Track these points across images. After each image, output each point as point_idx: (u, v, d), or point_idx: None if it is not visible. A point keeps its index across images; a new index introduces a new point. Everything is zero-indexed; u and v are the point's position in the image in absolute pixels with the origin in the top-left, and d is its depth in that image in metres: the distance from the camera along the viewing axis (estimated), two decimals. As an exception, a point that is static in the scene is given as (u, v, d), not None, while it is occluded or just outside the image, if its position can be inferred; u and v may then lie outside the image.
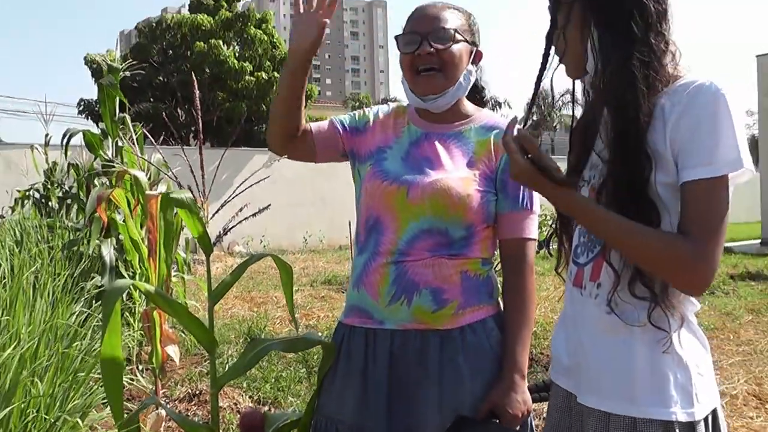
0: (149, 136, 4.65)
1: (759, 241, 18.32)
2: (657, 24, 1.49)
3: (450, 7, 2.08)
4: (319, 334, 6.80)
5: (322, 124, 2.17)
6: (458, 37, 2.02)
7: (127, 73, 5.06)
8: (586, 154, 1.60)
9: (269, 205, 2.14)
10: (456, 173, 1.99)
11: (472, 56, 2.09)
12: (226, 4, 28.47)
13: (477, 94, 2.20)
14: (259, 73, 26.79)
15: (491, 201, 2.01)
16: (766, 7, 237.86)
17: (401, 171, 2.02)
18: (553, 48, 1.60)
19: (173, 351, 3.50)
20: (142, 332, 4.31)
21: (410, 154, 2.06)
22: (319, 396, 2.09)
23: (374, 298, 1.99)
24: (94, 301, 3.84)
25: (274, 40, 28.78)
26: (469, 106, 2.14)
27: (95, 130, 5.20)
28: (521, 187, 2.01)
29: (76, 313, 3.29)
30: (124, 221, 4.25)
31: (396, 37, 2.09)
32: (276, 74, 27.26)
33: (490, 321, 2.01)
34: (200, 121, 2.25)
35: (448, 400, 1.92)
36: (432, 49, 1.99)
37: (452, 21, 2.04)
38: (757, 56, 19.70)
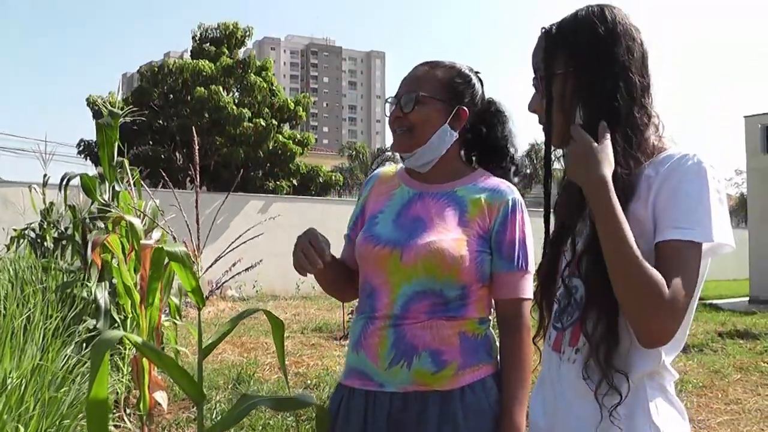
0: (143, 185, 4.70)
1: (747, 298, 18.35)
2: (641, 98, 1.54)
3: (437, 67, 2.13)
4: (308, 382, 6.81)
5: (346, 255, 2.23)
6: (426, 100, 2.06)
7: (127, 119, 5.14)
8: (571, 222, 1.63)
9: (261, 260, 2.18)
10: (449, 234, 2.00)
11: (451, 116, 2.10)
12: (227, 51, 28.75)
13: (496, 155, 2.19)
14: (258, 120, 26.95)
15: (486, 261, 2.02)
16: (752, 70, 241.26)
17: (392, 234, 2.04)
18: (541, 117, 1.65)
19: (161, 397, 3.49)
20: (130, 377, 4.32)
21: (401, 215, 2.09)
22: None
23: (374, 361, 1.98)
24: (84, 345, 3.83)
25: (273, 88, 29.01)
26: (463, 166, 2.17)
27: (94, 172, 5.24)
28: (516, 248, 2.02)
29: (66, 358, 3.27)
30: (118, 265, 4.28)
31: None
32: (274, 121, 27.44)
33: (490, 380, 2.00)
34: (198, 169, 2.29)
35: None
36: (399, 113, 2.08)
37: (426, 83, 2.09)
38: (744, 117, 19.99)
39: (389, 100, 2.14)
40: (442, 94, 2.10)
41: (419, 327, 1.96)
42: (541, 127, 1.65)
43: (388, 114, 2.13)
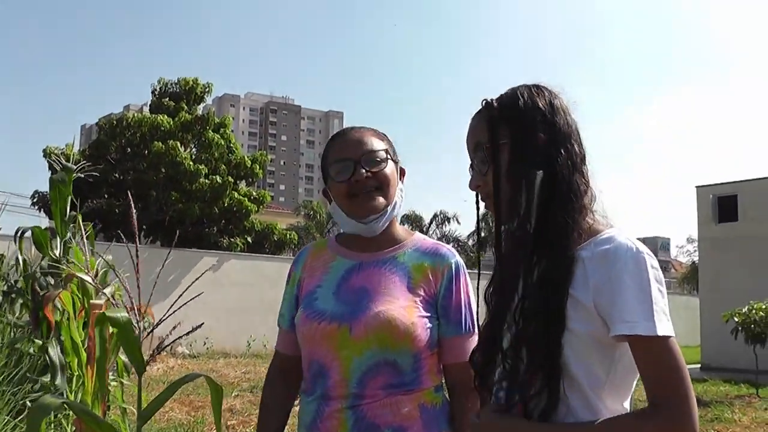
0: (88, 243, 4.66)
1: (699, 365, 18.60)
2: (580, 166, 1.60)
3: (368, 130, 2.13)
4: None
5: (287, 343, 2.19)
6: (387, 157, 2.07)
7: (81, 175, 5.11)
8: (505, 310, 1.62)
9: (202, 323, 2.18)
10: (397, 302, 1.96)
11: (399, 174, 2.13)
12: (186, 106, 28.78)
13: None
14: (214, 177, 26.91)
15: (435, 327, 1.99)
16: (703, 141, 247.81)
17: (336, 308, 1.98)
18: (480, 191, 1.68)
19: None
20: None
21: (342, 287, 2.03)
22: None
23: None
24: (30, 404, 3.75)
25: (231, 145, 29.05)
26: (400, 230, 2.14)
27: (47, 224, 5.19)
28: (463, 311, 2.02)
29: (7, 420, 3.18)
30: (68, 323, 4.22)
31: (324, 169, 2.12)
32: (230, 178, 27.39)
33: None
34: (136, 227, 2.29)
35: None
36: (367, 173, 2.02)
37: (377, 143, 2.08)
38: (696, 187, 20.54)
39: (333, 168, 2.07)
40: (391, 153, 2.11)
41: (378, 406, 1.91)
42: (484, 204, 1.68)
43: (341, 180, 2.04)
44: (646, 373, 1.44)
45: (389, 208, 2.06)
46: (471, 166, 1.69)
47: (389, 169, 2.06)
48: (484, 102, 1.67)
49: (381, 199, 2.03)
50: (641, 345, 1.43)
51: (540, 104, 1.61)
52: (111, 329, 2.35)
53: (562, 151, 1.57)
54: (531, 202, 1.54)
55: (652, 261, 1.49)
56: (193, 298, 2.08)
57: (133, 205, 2.21)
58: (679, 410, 1.38)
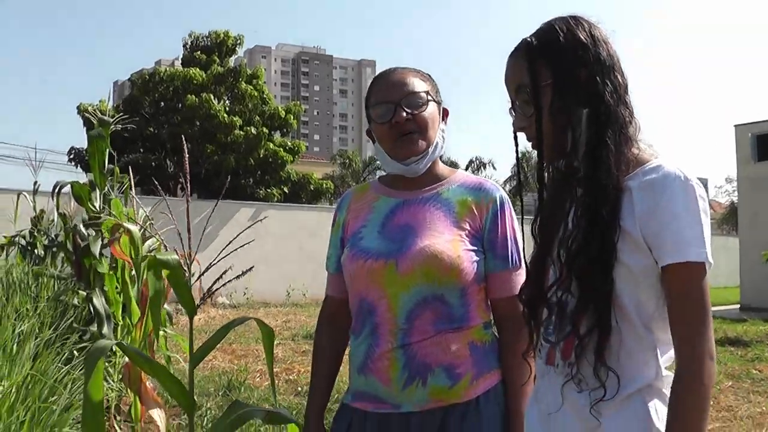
0: (132, 194, 4.70)
1: (738, 306, 18.45)
2: (624, 96, 1.56)
3: (411, 71, 2.10)
4: (299, 389, 6.80)
5: (335, 286, 2.20)
6: (429, 98, 2.04)
7: (118, 127, 5.14)
8: (553, 236, 1.62)
9: (252, 267, 2.18)
10: (443, 236, 1.96)
11: (441, 115, 2.11)
12: (218, 59, 28.77)
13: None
14: (248, 128, 26.96)
15: (481, 260, 1.99)
16: (743, 76, 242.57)
17: (382, 245, 1.99)
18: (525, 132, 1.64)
19: (158, 415, 3.44)
20: (121, 384, 4.31)
21: (387, 226, 2.04)
22: None
23: (386, 384, 1.94)
24: (77, 353, 3.82)
25: (264, 96, 29.03)
26: (443, 168, 2.14)
27: (85, 179, 5.23)
28: (509, 245, 2.01)
29: (57, 367, 3.26)
30: (111, 271, 4.27)
31: (367, 109, 2.11)
32: (265, 129, 27.43)
33: (500, 386, 1.99)
34: (188, 177, 2.28)
35: None
36: (408, 115, 2.00)
37: (419, 84, 2.05)
38: (735, 126, 20.14)
39: (374, 110, 2.07)
40: (435, 95, 2.09)
41: (429, 344, 1.92)
42: (531, 144, 1.64)
43: (382, 121, 2.03)
44: (675, 306, 1.44)
45: (430, 149, 2.04)
46: (512, 107, 1.65)
47: (430, 110, 2.04)
48: (523, 41, 1.62)
49: (421, 142, 2.02)
50: (681, 272, 1.43)
51: (581, 37, 1.56)
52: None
53: (608, 83, 1.53)
54: (577, 140, 1.52)
55: (700, 190, 1.46)
56: (242, 246, 2.08)
57: (186, 151, 2.19)
58: (699, 373, 1.40)
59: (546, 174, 1.64)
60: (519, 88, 1.61)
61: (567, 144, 1.54)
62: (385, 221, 2.05)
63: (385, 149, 2.07)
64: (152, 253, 4.23)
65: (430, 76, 2.14)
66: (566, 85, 1.54)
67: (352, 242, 2.07)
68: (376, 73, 2.21)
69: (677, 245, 1.42)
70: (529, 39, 1.61)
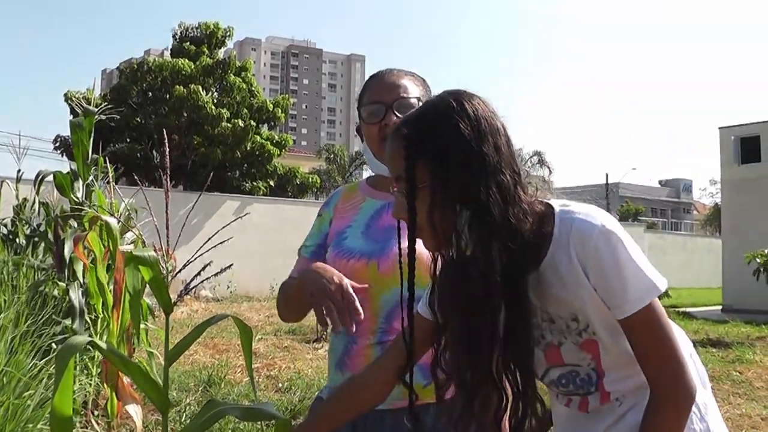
0: (115, 185, 4.65)
1: (720, 307, 18.58)
2: (514, 196, 1.43)
3: (407, 74, 2.11)
4: (280, 385, 6.78)
5: (307, 265, 2.12)
6: (421, 102, 2.00)
7: (103, 117, 5.08)
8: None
9: (231, 264, 2.15)
10: None
11: None
12: (207, 51, 28.67)
13: None
14: (236, 120, 26.90)
15: None
16: (728, 84, 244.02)
17: (365, 245, 2.01)
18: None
19: (135, 411, 3.40)
20: (99, 379, 4.27)
21: (371, 227, 2.05)
22: None
23: None
24: (55, 346, 3.78)
25: (253, 89, 28.97)
26: None
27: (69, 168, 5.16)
28: None
29: (32, 361, 3.22)
30: (94, 265, 4.22)
31: (359, 108, 2.12)
32: (252, 122, 27.39)
33: None
34: (168, 171, 2.23)
35: None
36: (398, 119, 1.94)
37: (412, 89, 2.07)
38: (719, 128, 20.30)
39: (365, 109, 2.08)
40: (427, 98, 2.09)
41: None
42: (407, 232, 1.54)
43: (372, 122, 2.04)
44: (642, 348, 1.42)
45: None
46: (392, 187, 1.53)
47: None
48: (401, 130, 1.47)
49: None
50: (637, 318, 1.41)
51: (465, 133, 1.40)
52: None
53: (493, 187, 1.39)
54: (461, 239, 1.42)
55: (616, 226, 1.43)
56: (222, 242, 2.05)
57: (166, 144, 2.15)
58: (680, 398, 1.40)
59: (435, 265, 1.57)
60: (398, 178, 1.48)
61: (452, 241, 1.44)
62: (370, 222, 2.07)
63: (372, 149, 2.08)
64: (132, 246, 4.20)
65: (424, 80, 2.15)
66: (446, 189, 1.41)
67: (336, 242, 2.08)
68: (365, 68, 2.21)
69: (627, 298, 1.40)
70: (407, 129, 1.46)
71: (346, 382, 1.82)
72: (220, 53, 29.84)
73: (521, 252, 1.41)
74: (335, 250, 2.06)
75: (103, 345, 1.70)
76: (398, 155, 1.45)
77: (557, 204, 1.49)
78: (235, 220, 2.69)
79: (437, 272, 1.57)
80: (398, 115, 2.00)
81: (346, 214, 2.14)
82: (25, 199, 8.23)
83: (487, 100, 1.49)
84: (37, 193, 5.59)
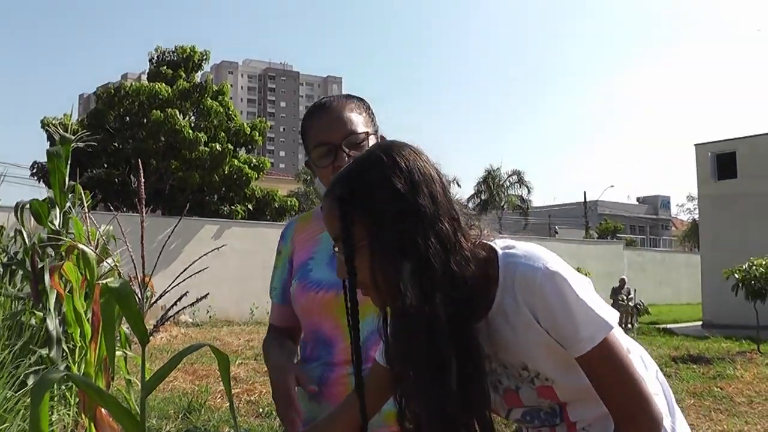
0: (90, 215, 4.62)
1: (700, 323, 18.71)
2: (455, 244, 1.42)
3: (348, 102, 2.07)
4: (260, 410, 6.72)
5: (280, 315, 2.15)
6: (369, 133, 2.02)
7: (80, 144, 5.05)
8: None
9: (207, 294, 2.15)
10: None
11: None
12: (184, 74, 28.66)
13: None
14: (214, 144, 26.87)
15: None
16: (702, 100, 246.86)
17: (332, 276, 1.91)
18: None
19: (113, 442, 3.35)
20: (77, 409, 4.21)
21: (334, 257, 2.00)
22: None
23: None
24: (33, 376, 3.73)
25: (230, 112, 28.98)
26: None
27: (47, 194, 5.13)
28: None
29: (9, 391, 3.17)
30: (71, 294, 4.18)
31: (305, 145, 2.08)
32: (230, 145, 27.36)
33: None
34: (143, 198, 2.21)
35: None
36: (348, 156, 1.96)
37: (357, 120, 2.02)
38: (695, 145, 20.55)
39: (315, 152, 2.04)
40: (372, 126, 2.07)
41: None
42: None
43: (324, 165, 2.00)
44: (602, 384, 1.41)
45: None
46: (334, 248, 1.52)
47: (370, 145, 2.00)
48: (334, 190, 1.46)
49: None
50: (593, 355, 1.39)
51: (399, 189, 1.39)
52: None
53: (432, 238, 1.38)
54: (404, 294, 1.39)
55: (559, 265, 1.42)
56: (198, 272, 2.04)
57: (141, 172, 2.14)
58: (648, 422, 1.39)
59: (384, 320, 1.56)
60: (336, 238, 1.48)
61: (396, 300, 1.41)
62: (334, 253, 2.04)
63: (326, 185, 2.01)
64: (108, 273, 4.16)
65: (364, 102, 2.12)
66: (384, 245, 1.40)
67: (301, 274, 2.05)
68: (342, 89, 2.19)
69: (580, 337, 1.39)
70: (339, 192, 1.45)
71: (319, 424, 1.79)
72: (197, 77, 29.87)
73: (467, 301, 1.40)
74: (302, 282, 2.03)
75: (80, 376, 1.69)
76: (333, 216, 1.45)
77: (500, 246, 1.47)
78: (213, 250, 2.68)
79: (386, 326, 1.54)
80: (347, 152, 1.97)
81: (305, 245, 2.11)
82: (2, 227, 8.15)
83: (419, 149, 1.47)
84: (22, 224, 5.52)
